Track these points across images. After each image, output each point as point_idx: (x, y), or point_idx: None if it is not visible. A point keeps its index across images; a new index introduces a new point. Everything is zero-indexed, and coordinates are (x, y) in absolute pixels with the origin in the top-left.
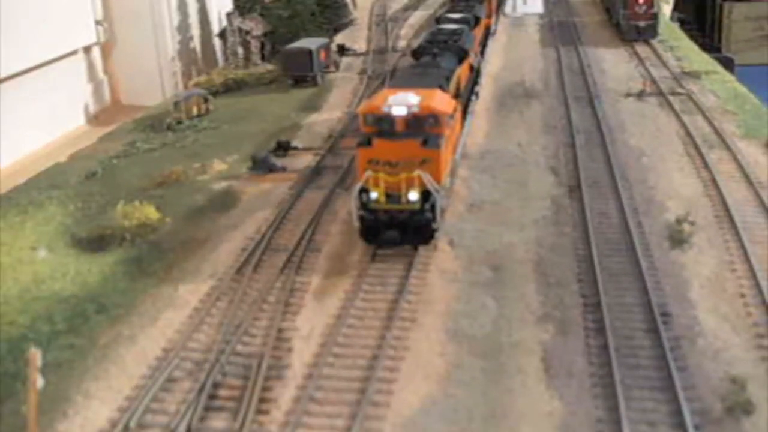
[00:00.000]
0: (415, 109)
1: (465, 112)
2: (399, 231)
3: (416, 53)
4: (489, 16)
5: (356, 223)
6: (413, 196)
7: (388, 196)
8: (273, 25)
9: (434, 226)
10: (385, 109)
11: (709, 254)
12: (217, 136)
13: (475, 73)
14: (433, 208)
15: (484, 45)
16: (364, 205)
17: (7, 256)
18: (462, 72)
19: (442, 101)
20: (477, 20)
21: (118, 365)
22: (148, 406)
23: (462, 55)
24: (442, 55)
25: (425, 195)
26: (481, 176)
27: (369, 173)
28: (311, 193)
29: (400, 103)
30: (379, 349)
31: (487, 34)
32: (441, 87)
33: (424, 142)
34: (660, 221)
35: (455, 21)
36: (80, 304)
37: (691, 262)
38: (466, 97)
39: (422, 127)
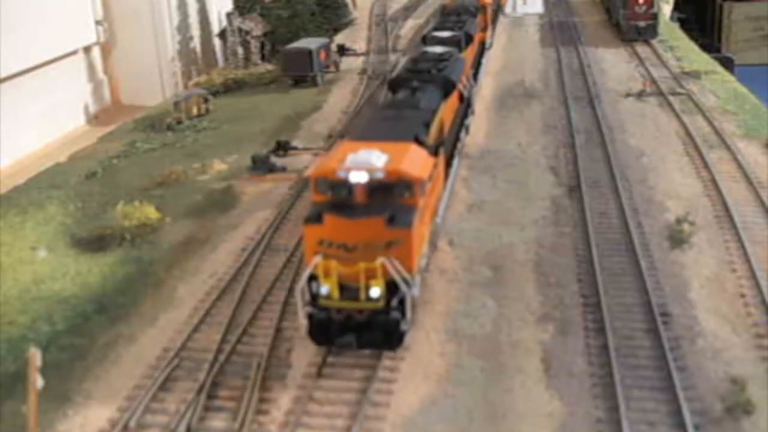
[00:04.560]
0: (379, 175)
1: (452, 154)
2: (358, 333)
3: (393, 85)
4: (484, 30)
5: (303, 320)
6: (375, 292)
7: (342, 288)
8: (273, 25)
9: (403, 326)
10: (341, 174)
11: (709, 254)
12: (217, 136)
13: (466, 103)
14: (401, 303)
15: (478, 63)
16: (314, 298)
17: (7, 256)
18: (447, 109)
19: (416, 161)
20: (469, 39)
21: (118, 365)
22: (147, 406)
23: (448, 88)
24: (422, 89)
25: (392, 286)
26: (481, 176)
27: (318, 259)
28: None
29: (361, 164)
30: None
31: (482, 50)
32: (417, 138)
33: (391, 220)
34: (660, 221)
35: (443, 41)
36: (80, 304)
37: (691, 262)
38: (452, 139)
39: (389, 196)
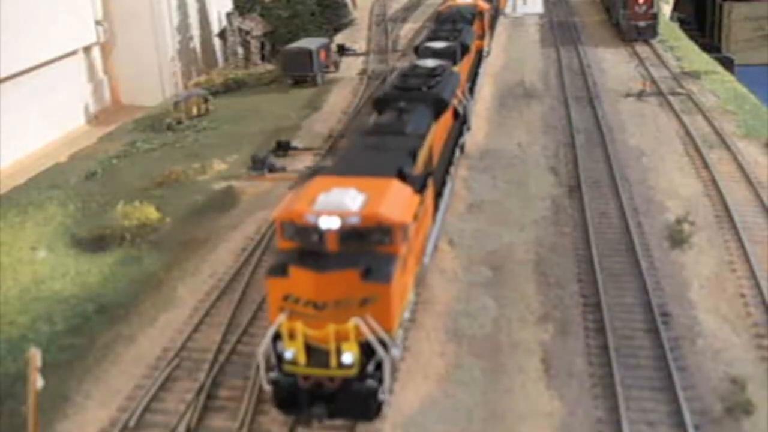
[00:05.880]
0: (354, 220)
1: (444, 180)
2: (329, 403)
3: (378, 104)
4: (481, 38)
5: (266, 386)
6: (348, 358)
7: (310, 351)
8: (273, 25)
9: (381, 396)
10: (309, 218)
11: (709, 254)
12: (217, 136)
13: (461, 120)
14: (379, 369)
15: (475, 74)
16: (279, 360)
17: (7, 256)
18: (439, 131)
19: (397, 201)
20: (465, 50)
21: (118, 365)
22: (147, 405)
23: (440, 108)
24: (410, 110)
25: (367, 348)
26: (481, 176)
27: (282, 318)
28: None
29: (334, 207)
30: None
31: (479, 59)
32: (401, 172)
33: (367, 273)
34: (660, 221)
35: (437, 53)
36: (80, 304)
37: (691, 262)
38: (444, 164)
39: (366, 245)
